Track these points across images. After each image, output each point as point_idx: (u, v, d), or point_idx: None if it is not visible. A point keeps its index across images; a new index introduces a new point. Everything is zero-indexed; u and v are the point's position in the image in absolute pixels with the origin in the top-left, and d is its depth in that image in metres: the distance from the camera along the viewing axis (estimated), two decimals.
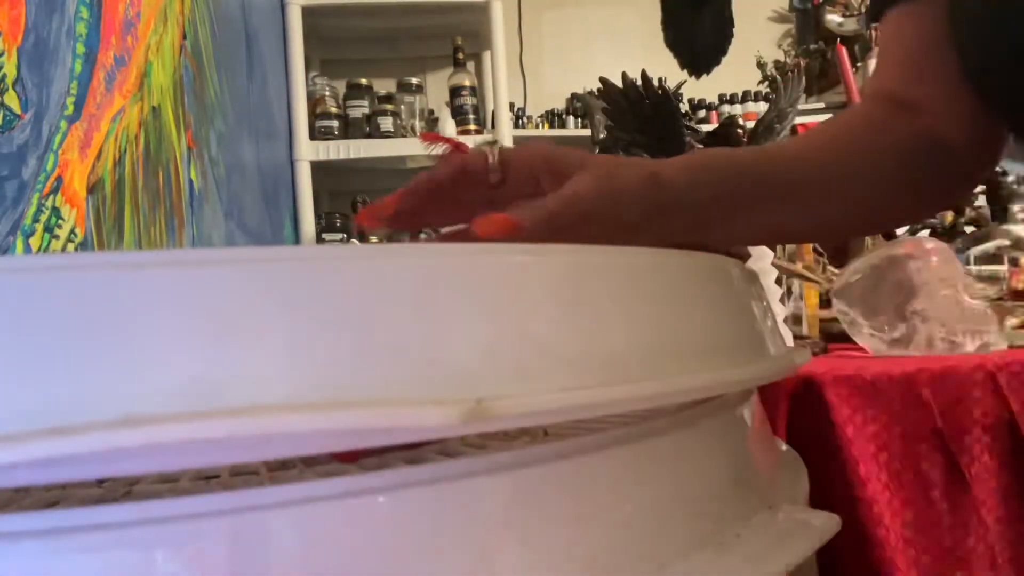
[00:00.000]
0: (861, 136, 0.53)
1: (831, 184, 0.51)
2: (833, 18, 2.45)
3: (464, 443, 0.33)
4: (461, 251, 0.24)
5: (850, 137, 0.53)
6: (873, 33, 2.32)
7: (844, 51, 1.50)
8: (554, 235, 0.41)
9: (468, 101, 2.21)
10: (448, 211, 0.47)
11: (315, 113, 2.12)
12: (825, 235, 0.54)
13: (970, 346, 0.85)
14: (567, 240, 0.44)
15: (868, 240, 1.38)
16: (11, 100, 0.60)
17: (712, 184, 0.46)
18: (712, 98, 2.53)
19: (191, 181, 1.06)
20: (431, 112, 2.29)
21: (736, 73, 2.39)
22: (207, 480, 0.30)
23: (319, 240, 2.08)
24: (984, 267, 1.42)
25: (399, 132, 2.15)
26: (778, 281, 0.95)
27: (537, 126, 2.46)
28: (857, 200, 0.52)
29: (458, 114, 2.21)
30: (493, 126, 2.24)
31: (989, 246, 1.45)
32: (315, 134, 2.11)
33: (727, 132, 1.10)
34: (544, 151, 0.45)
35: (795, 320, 1.02)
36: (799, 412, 0.74)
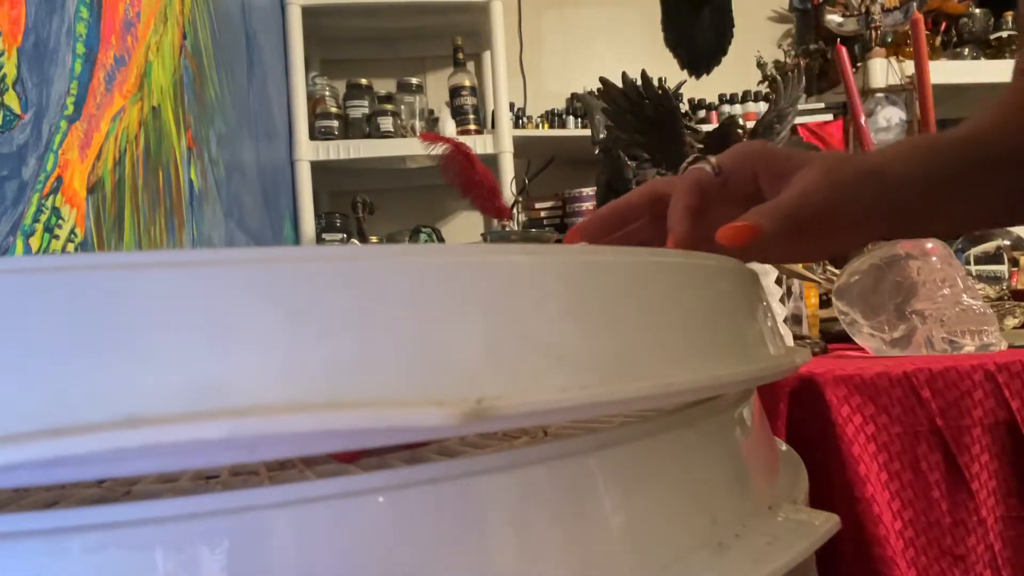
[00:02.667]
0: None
1: (1007, 165, 0.48)
2: (833, 18, 2.45)
3: (464, 443, 0.33)
4: (461, 251, 0.24)
5: (1015, 116, 0.50)
6: (874, 33, 2.32)
7: (844, 51, 1.50)
8: (791, 235, 0.42)
9: (468, 101, 2.21)
10: (650, 231, 0.47)
11: (315, 113, 2.12)
12: None
13: (970, 346, 0.85)
14: (802, 241, 0.45)
15: None
16: (11, 100, 0.60)
17: (929, 171, 0.46)
18: (712, 98, 2.53)
19: (191, 181, 1.06)
20: (431, 112, 2.29)
21: (736, 73, 2.39)
22: (207, 480, 0.30)
23: (319, 240, 2.08)
24: (984, 267, 1.42)
25: (399, 132, 2.15)
26: (778, 281, 0.95)
27: (537, 126, 2.46)
28: None
29: (458, 114, 2.20)
30: (493, 126, 2.24)
31: (989, 246, 1.45)
32: (315, 134, 2.11)
33: (727, 132, 1.10)
34: (762, 149, 0.45)
35: (795, 320, 1.02)
36: (799, 412, 0.74)
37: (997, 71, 2.33)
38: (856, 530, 0.67)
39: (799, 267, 1.06)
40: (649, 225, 0.48)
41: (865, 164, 0.45)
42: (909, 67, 2.18)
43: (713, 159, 0.46)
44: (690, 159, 0.47)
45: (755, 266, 0.89)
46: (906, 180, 0.45)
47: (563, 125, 2.44)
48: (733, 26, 1.67)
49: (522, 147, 2.24)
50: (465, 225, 2.58)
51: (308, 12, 2.10)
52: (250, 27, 1.61)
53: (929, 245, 0.91)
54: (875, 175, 0.45)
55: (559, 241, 1.89)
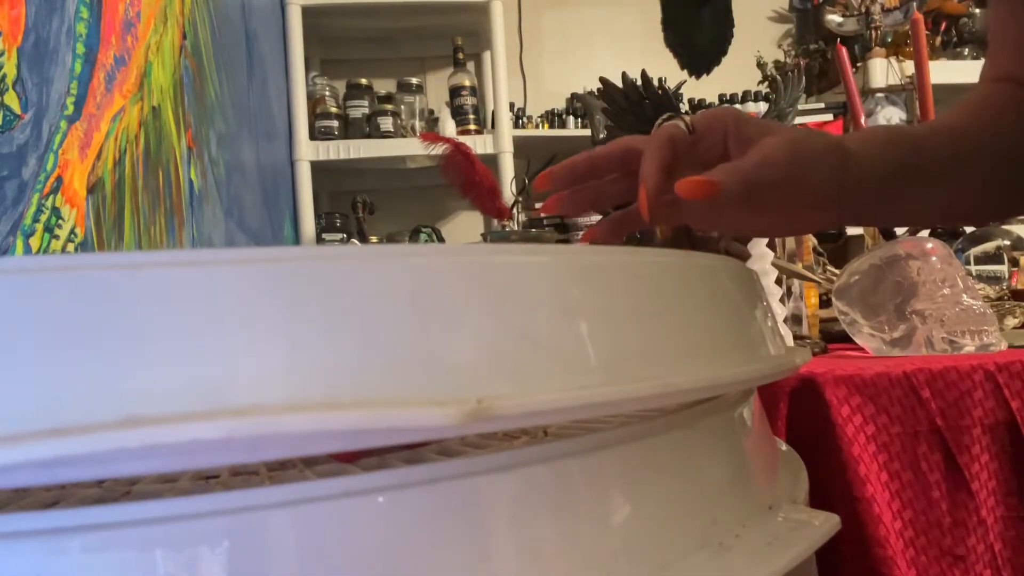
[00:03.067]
0: (987, 118, 0.52)
1: (968, 164, 0.50)
2: (833, 18, 2.45)
3: (464, 443, 0.33)
4: (461, 251, 0.24)
5: (979, 118, 0.52)
6: (874, 33, 2.32)
7: (844, 51, 1.50)
8: (750, 201, 0.43)
9: (468, 101, 2.21)
10: (623, 184, 0.48)
11: (315, 113, 2.12)
12: (976, 217, 0.55)
13: (970, 346, 0.85)
14: (761, 212, 0.46)
15: (868, 240, 1.38)
16: (11, 100, 0.60)
17: (891, 158, 0.47)
18: (712, 98, 2.53)
19: (191, 181, 1.06)
20: (431, 112, 2.29)
21: (736, 73, 2.39)
22: (207, 480, 0.30)
23: (319, 240, 2.08)
24: (984, 267, 1.42)
25: (399, 132, 2.15)
26: (778, 281, 0.95)
27: (537, 126, 2.46)
28: (974, 184, 0.51)
29: (458, 114, 2.20)
30: (493, 126, 2.24)
31: (989, 246, 1.45)
32: (315, 134, 2.11)
33: None
34: (733, 114, 0.46)
35: (795, 320, 1.02)
36: (799, 412, 0.74)
37: None
38: (856, 530, 0.67)
39: (799, 267, 1.06)
40: (620, 179, 0.48)
41: (831, 140, 0.46)
42: (909, 67, 2.18)
43: (687, 118, 0.46)
44: (664, 116, 0.47)
45: (755, 266, 0.89)
46: (869, 162, 0.46)
47: (563, 125, 2.44)
48: (733, 26, 1.67)
49: (522, 147, 2.24)
50: (465, 225, 2.58)
51: (308, 12, 2.10)
52: (250, 27, 1.61)
53: (929, 245, 0.91)
54: (839, 150, 0.45)
55: (559, 241, 1.89)
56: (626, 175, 0.47)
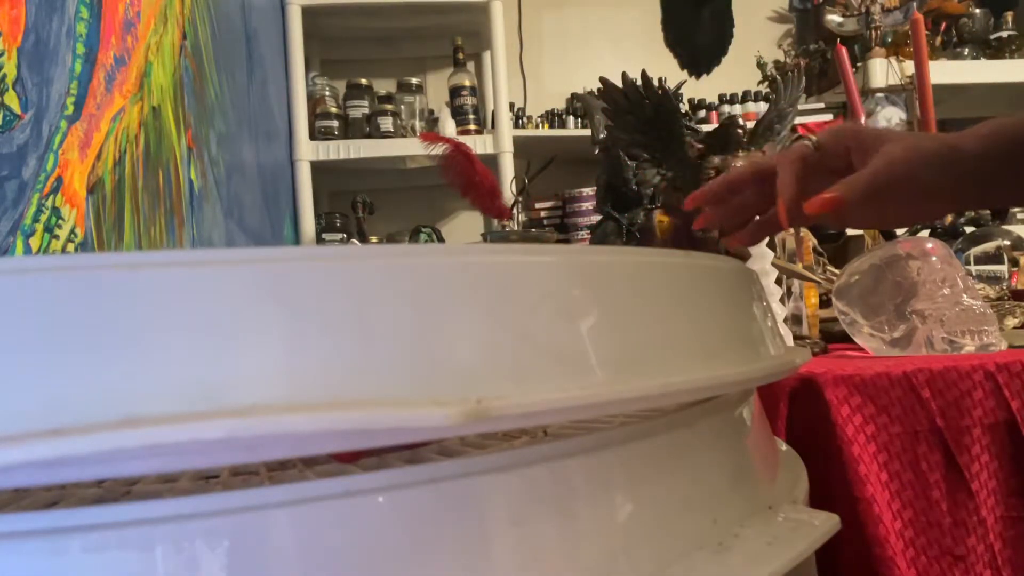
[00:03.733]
0: None
1: None
2: (833, 18, 2.45)
3: (464, 443, 0.33)
4: (461, 251, 0.24)
5: None
6: (874, 33, 2.32)
7: (844, 51, 1.49)
8: (874, 202, 0.50)
9: (468, 101, 2.21)
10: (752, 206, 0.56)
11: (315, 113, 2.12)
12: None
13: (970, 346, 0.85)
14: (885, 207, 0.52)
15: (868, 240, 1.38)
16: (11, 100, 0.60)
17: (996, 152, 0.51)
18: (712, 98, 2.53)
19: (191, 181, 1.06)
20: (431, 112, 2.28)
21: (736, 73, 2.38)
22: (207, 480, 0.30)
23: (319, 240, 2.08)
24: (984, 267, 1.42)
25: (399, 132, 2.15)
26: (778, 281, 0.95)
27: (537, 126, 2.46)
28: None
29: (458, 114, 2.20)
30: (493, 126, 2.24)
31: (989, 246, 1.45)
32: (315, 134, 2.10)
33: (727, 132, 1.10)
34: (852, 128, 0.53)
35: (795, 320, 1.02)
36: (799, 412, 0.73)
37: (997, 71, 2.33)
38: (856, 530, 0.67)
39: (799, 267, 1.06)
40: (754, 196, 0.55)
41: (941, 140, 0.51)
42: (909, 67, 2.18)
43: (814, 138, 0.53)
44: (794, 137, 0.55)
45: (755, 266, 0.89)
46: (981, 154, 0.51)
47: (563, 125, 2.44)
48: (733, 26, 1.67)
49: (522, 147, 2.23)
50: (465, 225, 2.58)
51: (308, 12, 2.10)
52: (250, 27, 1.61)
53: (929, 245, 0.91)
54: (953, 149, 0.50)
55: (559, 241, 1.89)
56: (759, 191, 0.55)
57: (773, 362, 0.34)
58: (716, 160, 1.07)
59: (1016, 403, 0.73)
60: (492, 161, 2.13)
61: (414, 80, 2.28)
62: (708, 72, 1.51)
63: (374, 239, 2.18)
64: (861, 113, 1.27)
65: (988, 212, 2.03)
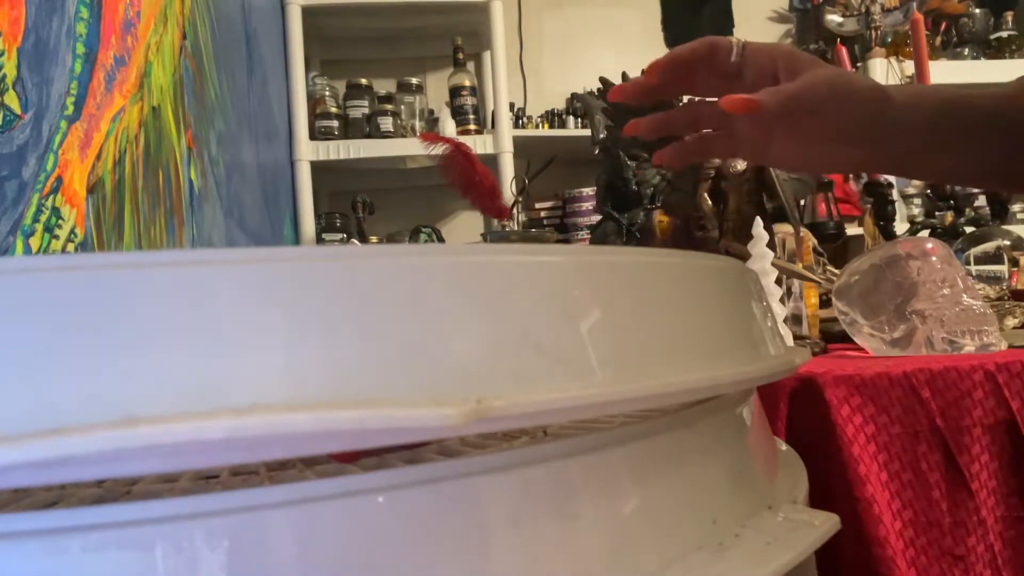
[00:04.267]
0: None
1: (1009, 125, 0.52)
2: (833, 18, 2.45)
3: (464, 443, 0.33)
4: (461, 251, 0.24)
5: None
6: (874, 33, 2.32)
7: (844, 51, 1.49)
8: (787, 119, 0.49)
9: (468, 101, 2.21)
10: (685, 87, 0.54)
11: (315, 113, 2.12)
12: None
13: (970, 346, 0.85)
14: (799, 141, 0.51)
15: (868, 240, 1.38)
16: (11, 100, 0.60)
17: (930, 106, 0.50)
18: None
19: (191, 181, 1.06)
20: (431, 112, 2.28)
21: None
22: (207, 480, 0.30)
23: (319, 240, 2.08)
24: (984, 267, 1.42)
25: (399, 132, 2.15)
26: (778, 281, 0.95)
27: (537, 126, 2.46)
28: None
29: (458, 114, 2.20)
30: (493, 126, 2.24)
31: (989, 246, 1.45)
32: (315, 134, 2.11)
33: None
34: (786, 48, 0.51)
35: (795, 320, 1.02)
36: (799, 412, 0.73)
37: (997, 71, 2.33)
38: (856, 530, 0.67)
39: (799, 267, 1.06)
40: (687, 115, 0.55)
41: (874, 83, 0.50)
42: (909, 67, 2.18)
43: (743, 41, 0.52)
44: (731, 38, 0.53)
45: (755, 266, 0.89)
46: (908, 105, 0.49)
47: (563, 125, 2.44)
48: (733, 26, 1.67)
49: (522, 147, 2.23)
50: (465, 225, 2.58)
51: (308, 12, 2.10)
52: (250, 27, 1.61)
53: (929, 245, 0.91)
54: (880, 91, 0.49)
55: (559, 241, 1.89)
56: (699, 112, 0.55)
57: (773, 362, 0.34)
58: (716, 160, 1.07)
59: (1016, 403, 0.73)
60: (492, 161, 2.13)
61: (414, 80, 2.28)
62: None
63: (374, 239, 2.18)
64: None
65: (988, 212, 2.03)
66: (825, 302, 1.08)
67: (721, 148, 0.57)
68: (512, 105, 2.40)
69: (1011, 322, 1.05)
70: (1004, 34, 2.44)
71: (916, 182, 2.39)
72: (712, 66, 0.52)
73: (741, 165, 1.05)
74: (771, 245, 0.93)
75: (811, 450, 0.66)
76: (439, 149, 1.32)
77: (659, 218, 1.13)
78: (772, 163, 0.56)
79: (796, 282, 1.03)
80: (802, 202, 1.43)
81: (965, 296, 0.87)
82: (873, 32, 2.33)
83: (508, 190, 2.03)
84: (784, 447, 0.48)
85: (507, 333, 0.23)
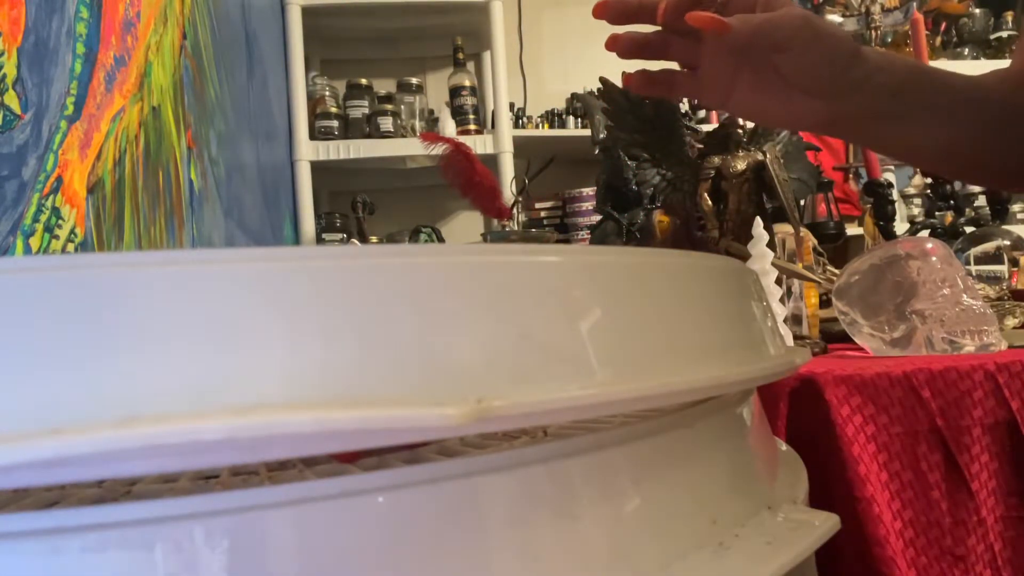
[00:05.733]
0: (1009, 85, 0.54)
1: (976, 107, 0.52)
2: (833, 18, 2.45)
3: (464, 443, 0.33)
4: (461, 251, 0.24)
5: (1001, 81, 0.54)
6: (874, 33, 2.32)
7: None
8: (754, 56, 0.48)
9: (468, 101, 2.21)
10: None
11: (315, 113, 2.12)
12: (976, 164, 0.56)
13: (970, 346, 0.85)
14: (760, 72, 0.49)
15: (868, 240, 1.38)
16: (11, 100, 0.60)
17: (901, 70, 0.49)
18: None
19: (191, 181, 1.06)
20: (431, 112, 2.28)
21: None
22: (207, 480, 0.30)
23: (319, 240, 2.08)
24: (984, 267, 1.42)
25: (399, 132, 2.15)
26: (778, 281, 0.95)
27: (537, 126, 2.46)
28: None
29: (458, 114, 2.20)
30: (493, 126, 2.24)
31: (989, 246, 1.45)
32: (315, 134, 2.10)
33: (727, 132, 1.10)
34: None
35: (795, 320, 1.02)
36: (799, 412, 0.73)
37: None
38: (856, 530, 0.67)
39: (799, 267, 1.06)
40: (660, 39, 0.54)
41: (848, 35, 0.49)
42: None
43: None
44: None
45: (755, 266, 0.89)
46: (879, 65, 0.48)
47: (563, 125, 2.44)
48: None
49: (522, 147, 2.23)
50: (465, 225, 2.58)
51: (308, 12, 2.10)
52: (250, 27, 1.61)
53: (929, 245, 0.91)
54: (852, 43, 0.48)
55: (559, 241, 1.89)
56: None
57: (773, 362, 0.34)
58: (716, 160, 1.07)
59: (1016, 403, 0.73)
60: (492, 161, 2.13)
61: (414, 80, 2.28)
62: None
63: (374, 239, 2.18)
64: None
65: (988, 212, 2.03)
66: (825, 302, 1.08)
67: (684, 86, 0.55)
68: (512, 105, 2.40)
69: (1011, 322, 1.05)
70: (1004, 34, 2.44)
71: (916, 181, 2.39)
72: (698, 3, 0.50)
73: (741, 165, 1.05)
74: (771, 245, 0.93)
75: (811, 450, 0.66)
76: (439, 149, 1.32)
77: (659, 218, 1.13)
78: (731, 109, 0.54)
79: (796, 282, 1.03)
80: (802, 202, 1.43)
81: (965, 296, 0.87)
82: (873, 32, 2.33)
83: (508, 190, 2.03)
84: (784, 447, 0.48)
85: (507, 333, 0.23)
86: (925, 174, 2.10)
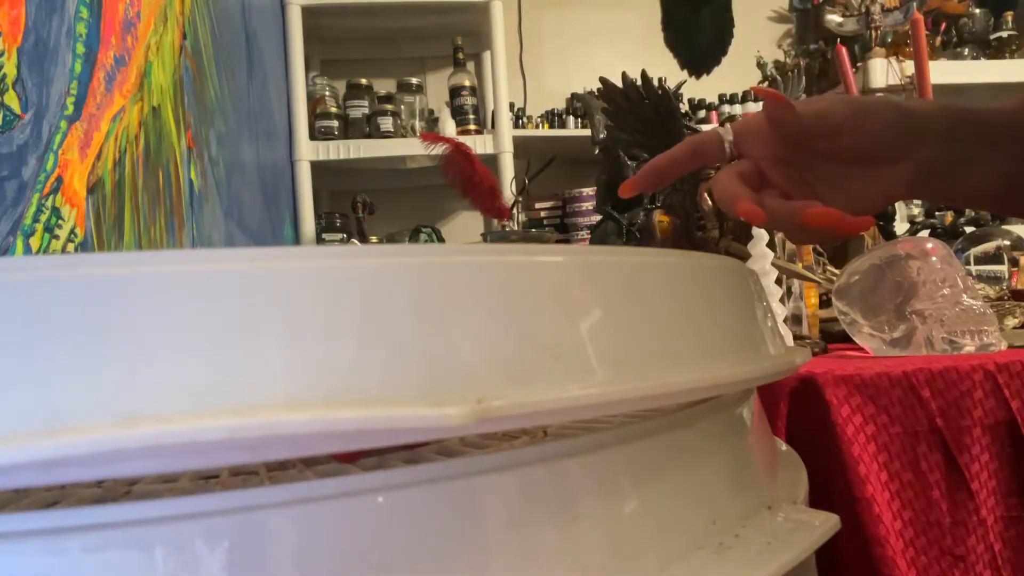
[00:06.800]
0: None
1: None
2: (833, 18, 2.45)
3: (464, 443, 0.33)
4: (461, 251, 0.24)
5: None
6: (874, 33, 2.32)
7: (844, 51, 1.49)
8: (814, 137, 0.47)
9: (468, 101, 2.21)
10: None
11: (315, 113, 2.12)
12: None
13: (970, 346, 0.85)
14: (822, 166, 0.49)
15: (868, 240, 1.38)
16: (11, 100, 0.60)
17: (948, 115, 0.49)
18: (712, 98, 2.53)
19: (191, 181, 1.06)
20: (431, 112, 2.28)
21: (736, 73, 2.38)
22: (207, 480, 0.30)
23: (319, 240, 2.08)
24: (984, 267, 1.42)
25: (399, 132, 2.15)
26: (778, 281, 0.95)
27: (537, 126, 2.46)
28: None
29: (458, 114, 2.20)
30: (493, 126, 2.24)
31: (989, 246, 1.45)
32: (315, 134, 2.10)
33: None
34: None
35: (795, 320, 1.02)
36: (799, 412, 0.73)
37: (997, 71, 2.33)
38: (856, 530, 0.67)
39: (799, 267, 1.06)
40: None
41: (887, 97, 0.49)
42: (909, 67, 2.17)
43: (731, 134, 0.50)
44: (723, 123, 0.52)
45: (755, 266, 0.89)
46: (927, 114, 0.48)
47: (563, 125, 2.44)
48: (733, 26, 1.67)
49: (522, 147, 2.23)
50: (465, 225, 2.58)
51: (308, 12, 2.10)
52: (250, 27, 1.61)
53: (929, 245, 0.91)
54: (895, 103, 0.48)
55: (559, 241, 1.89)
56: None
57: (773, 362, 0.34)
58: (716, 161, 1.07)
59: (1016, 403, 0.73)
60: (492, 161, 2.13)
61: (414, 80, 2.28)
62: (708, 72, 1.51)
63: (374, 239, 2.18)
64: None
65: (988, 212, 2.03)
66: (825, 302, 1.08)
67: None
68: (512, 105, 2.40)
69: (1011, 322, 1.05)
70: (1004, 34, 2.44)
71: None
72: (703, 163, 0.51)
73: None
74: (771, 245, 0.93)
75: (811, 450, 0.66)
76: (439, 149, 1.32)
77: (659, 218, 1.13)
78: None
79: (796, 282, 1.03)
80: None
81: (965, 296, 0.87)
82: (873, 32, 2.33)
83: (508, 190, 2.02)
84: (784, 447, 0.48)
85: (507, 333, 0.23)
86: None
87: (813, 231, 0.45)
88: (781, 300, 0.94)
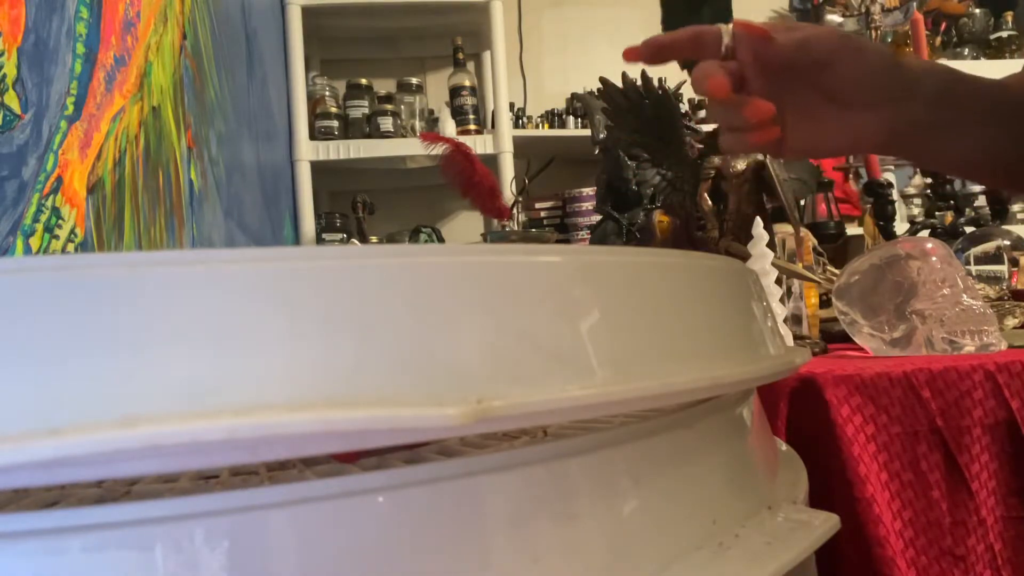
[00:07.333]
0: None
1: (1015, 110, 0.51)
2: (833, 18, 2.45)
3: (464, 443, 0.33)
4: (461, 251, 0.24)
5: None
6: (874, 33, 2.32)
7: None
8: (794, 66, 0.47)
9: (468, 101, 2.21)
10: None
11: (315, 113, 2.12)
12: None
13: (970, 346, 0.85)
14: (807, 96, 0.48)
15: (868, 240, 1.38)
16: (11, 100, 0.60)
17: (939, 75, 0.49)
18: None
19: (191, 181, 1.06)
20: (431, 112, 2.28)
21: None
22: (207, 480, 0.30)
23: (319, 240, 2.08)
24: (984, 267, 1.42)
25: (399, 132, 2.15)
26: (778, 281, 0.95)
27: (537, 126, 2.45)
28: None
29: (458, 114, 2.20)
30: (493, 126, 2.24)
31: (989, 246, 1.45)
32: (315, 134, 2.10)
33: None
34: (779, 23, 0.49)
35: (795, 320, 1.02)
36: (799, 412, 0.73)
37: (997, 71, 2.33)
38: (856, 530, 0.67)
39: (799, 267, 1.06)
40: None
41: (887, 48, 0.49)
42: None
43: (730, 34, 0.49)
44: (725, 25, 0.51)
45: (755, 266, 0.89)
46: (918, 70, 0.48)
47: (563, 125, 2.44)
48: None
49: (522, 147, 2.23)
50: (465, 225, 2.58)
51: (308, 12, 2.10)
52: (250, 27, 1.61)
53: (929, 245, 0.91)
54: (888, 53, 0.48)
55: (559, 241, 1.89)
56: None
57: (773, 362, 0.34)
58: (716, 160, 1.07)
59: (1016, 403, 0.73)
60: (492, 161, 2.13)
61: (414, 80, 2.28)
62: None
63: (374, 239, 2.18)
64: None
65: (988, 212, 2.03)
66: (825, 302, 1.08)
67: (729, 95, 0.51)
68: (512, 105, 2.40)
69: (1011, 322, 1.05)
70: (1004, 34, 2.44)
71: (916, 181, 2.39)
72: (700, 55, 0.50)
73: (741, 165, 1.05)
74: (771, 245, 0.93)
75: (811, 450, 0.66)
76: (439, 149, 1.32)
77: (659, 218, 1.13)
78: (792, 147, 0.52)
79: (796, 282, 1.03)
80: (802, 202, 1.43)
81: (965, 296, 0.87)
82: (873, 32, 2.33)
83: (508, 190, 2.02)
84: (784, 447, 0.48)
85: (507, 333, 0.23)
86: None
87: (740, 138, 0.47)
88: (781, 300, 0.94)
